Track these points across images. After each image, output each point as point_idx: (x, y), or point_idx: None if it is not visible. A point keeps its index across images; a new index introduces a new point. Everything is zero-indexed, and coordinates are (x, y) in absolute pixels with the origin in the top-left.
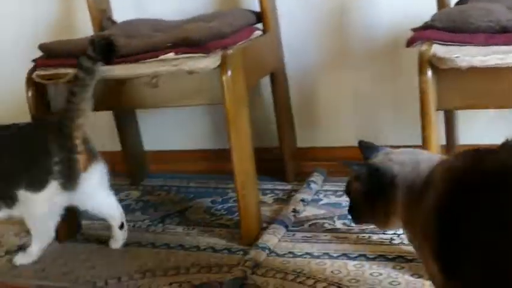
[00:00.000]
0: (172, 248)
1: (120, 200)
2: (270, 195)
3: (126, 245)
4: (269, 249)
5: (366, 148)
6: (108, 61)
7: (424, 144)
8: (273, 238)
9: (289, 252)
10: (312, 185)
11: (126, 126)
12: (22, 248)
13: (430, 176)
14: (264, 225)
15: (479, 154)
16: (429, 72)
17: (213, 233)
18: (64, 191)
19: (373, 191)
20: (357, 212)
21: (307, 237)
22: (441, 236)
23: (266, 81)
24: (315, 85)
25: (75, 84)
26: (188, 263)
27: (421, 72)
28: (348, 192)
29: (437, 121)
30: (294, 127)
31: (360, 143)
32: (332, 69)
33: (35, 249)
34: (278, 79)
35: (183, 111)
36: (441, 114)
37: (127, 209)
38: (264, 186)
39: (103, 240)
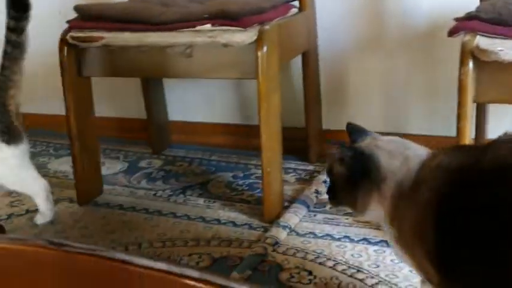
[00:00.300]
0: (192, 220)
1: (142, 168)
2: (292, 174)
3: (146, 212)
4: (290, 228)
5: (354, 131)
6: (25, 14)
7: (458, 136)
8: (294, 217)
9: (310, 233)
10: None
11: (153, 94)
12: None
13: (421, 172)
14: (285, 204)
15: (472, 151)
16: (470, 64)
17: (234, 207)
18: None
19: (355, 176)
20: (336, 194)
21: (328, 219)
22: (439, 236)
23: (296, 60)
24: (345, 68)
25: (4, 58)
26: (208, 236)
27: (462, 63)
28: (329, 172)
29: (473, 114)
30: (321, 109)
31: (348, 125)
32: (365, 53)
33: (43, 206)
34: (310, 59)
35: (210, 84)
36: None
37: (148, 177)
38: (287, 165)
39: (124, 206)
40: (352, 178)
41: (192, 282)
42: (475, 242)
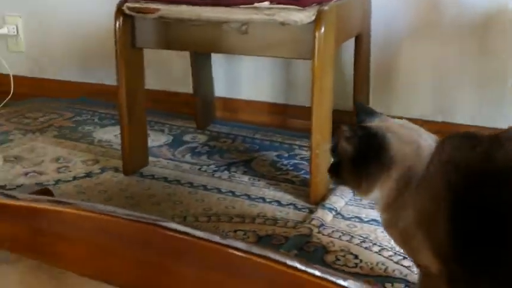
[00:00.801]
0: (237, 196)
1: (186, 142)
2: None
3: (191, 186)
4: (336, 210)
5: (362, 111)
6: None
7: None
8: (340, 200)
9: (356, 217)
10: None
11: (200, 70)
12: (89, 174)
13: (431, 165)
14: (331, 186)
15: (480, 145)
16: None
17: (278, 187)
18: None
19: (366, 156)
20: (341, 173)
21: (374, 204)
22: (455, 230)
23: (347, 43)
24: (397, 53)
25: None
26: (254, 213)
27: None
28: (333, 150)
29: None
30: (369, 93)
31: (357, 104)
32: (417, 39)
33: None
34: (362, 42)
35: (258, 62)
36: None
37: (193, 151)
38: None
39: (169, 179)
40: (362, 158)
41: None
42: (490, 238)
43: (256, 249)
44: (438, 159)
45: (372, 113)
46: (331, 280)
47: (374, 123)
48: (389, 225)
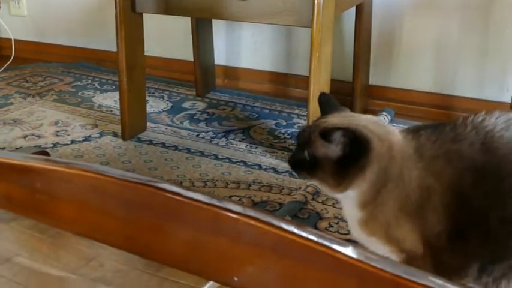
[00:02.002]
0: (234, 163)
1: (185, 109)
2: None
3: (188, 152)
4: None
5: (326, 103)
6: None
7: None
8: None
9: None
10: None
11: (201, 37)
12: (87, 138)
13: (413, 159)
14: None
15: (461, 139)
16: None
17: (275, 154)
18: None
19: (348, 158)
20: (307, 169)
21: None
22: (446, 218)
23: (348, 13)
24: (398, 25)
25: None
26: (249, 180)
27: None
28: (302, 144)
29: None
30: (369, 64)
31: (321, 96)
32: (419, 11)
33: None
34: (363, 12)
35: (258, 31)
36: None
37: (191, 118)
38: None
39: (166, 145)
40: (346, 160)
41: (243, 219)
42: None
43: (251, 212)
44: (420, 155)
45: (335, 107)
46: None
47: (347, 120)
48: (368, 221)
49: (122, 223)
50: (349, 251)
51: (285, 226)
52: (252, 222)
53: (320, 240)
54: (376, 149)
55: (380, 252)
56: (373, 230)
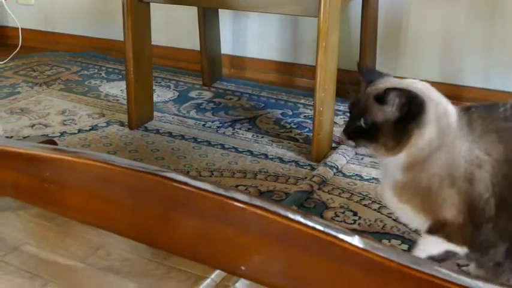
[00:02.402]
0: (240, 152)
1: (192, 98)
2: (341, 117)
3: (195, 142)
4: (337, 168)
5: (369, 72)
6: None
7: None
8: (341, 158)
9: (357, 175)
10: None
11: (208, 27)
12: (94, 127)
13: (465, 132)
14: (334, 145)
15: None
16: None
17: (281, 144)
18: None
19: (406, 118)
20: (366, 136)
21: (376, 163)
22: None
23: (355, 2)
24: (404, 14)
25: None
26: (256, 169)
27: None
28: (358, 113)
29: None
30: (375, 53)
31: (363, 67)
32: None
33: None
34: (370, 1)
35: (265, 20)
36: None
37: (198, 107)
38: (336, 108)
39: (173, 134)
40: (404, 120)
41: (250, 208)
42: None
43: (258, 201)
44: (472, 129)
45: (380, 74)
46: (335, 235)
47: (389, 82)
48: (407, 186)
49: (129, 212)
50: (355, 240)
51: (291, 216)
52: (259, 211)
53: (326, 230)
54: (432, 111)
55: (408, 221)
56: (408, 197)
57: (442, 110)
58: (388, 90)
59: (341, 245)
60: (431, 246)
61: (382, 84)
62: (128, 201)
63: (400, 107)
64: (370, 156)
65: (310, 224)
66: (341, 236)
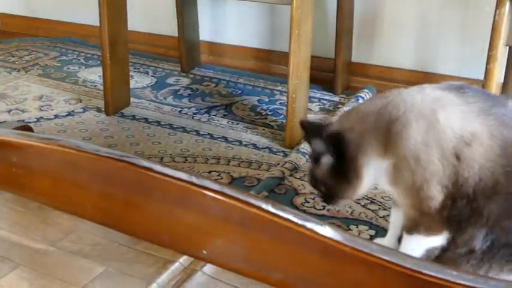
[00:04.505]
0: (215, 139)
1: (169, 85)
2: (316, 103)
3: (171, 128)
4: None
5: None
6: None
7: (486, 78)
8: None
9: None
10: (360, 101)
11: (186, 13)
12: (70, 113)
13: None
14: None
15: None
16: (507, 6)
17: (256, 130)
18: None
19: (342, 157)
20: (335, 190)
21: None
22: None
23: None
24: (381, 2)
25: None
26: (229, 155)
27: (499, 4)
28: (314, 180)
29: (504, 57)
30: (351, 41)
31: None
32: None
33: None
34: None
35: (244, 7)
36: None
37: (175, 94)
38: (312, 95)
39: (149, 120)
40: (341, 161)
41: (212, 194)
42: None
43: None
44: (469, 107)
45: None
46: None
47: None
48: (397, 163)
49: (95, 197)
50: (311, 225)
51: (251, 201)
52: (219, 196)
53: (284, 215)
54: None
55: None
56: (400, 179)
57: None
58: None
59: (297, 229)
60: (413, 249)
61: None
62: (94, 186)
63: (331, 153)
64: None
65: (270, 209)
66: (297, 220)
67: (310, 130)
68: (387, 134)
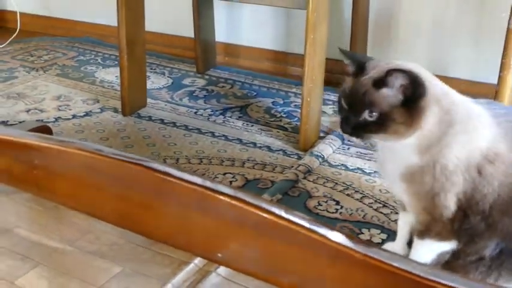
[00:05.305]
0: (230, 140)
1: (185, 86)
2: (330, 106)
3: (186, 129)
4: (323, 158)
5: (354, 55)
6: None
7: (499, 85)
8: (328, 148)
9: (342, 165)
10: None
11: (202, 14)
12: (88, 113)
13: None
14: (321, 134)
15: None
16: None
17: (271, 133)
18: None
19: (407, 101)
20: (374, 128)
21: (362, 153)
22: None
23: None
24: (396, 4)
25: None
26: (244, 157)
27: None
28: (358, 107)
29: None
30: (366, 43)
31: (344, 51)
32: None
33: None
34: None
35: (260, 10)
36: None
37: (191, 95)
38: (326, 97)
39: (165, 121)
40: (408, 102)
41: (227, 199)
42: None
43: (234, 192)
44: (498, 123)
45: (365, 57)
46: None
47: (380, 66)
48: (427, 166)
49: (114, 199)
50: (322, 230)
51: (265, 206)
52: (235, 202)
53: (298, 221)
54: (431, 90)
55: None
56: (426, 175)
57: (440, 89)
58: (390, 72)
59: (309, 234)
60: (424, 253)
61: (377, 68)
62: (113, 189)
63: (403, 89)
64: (367, 147)
65: (282, 214)
66: (309, 226)
67: (355, 58)
68: (445, 129)
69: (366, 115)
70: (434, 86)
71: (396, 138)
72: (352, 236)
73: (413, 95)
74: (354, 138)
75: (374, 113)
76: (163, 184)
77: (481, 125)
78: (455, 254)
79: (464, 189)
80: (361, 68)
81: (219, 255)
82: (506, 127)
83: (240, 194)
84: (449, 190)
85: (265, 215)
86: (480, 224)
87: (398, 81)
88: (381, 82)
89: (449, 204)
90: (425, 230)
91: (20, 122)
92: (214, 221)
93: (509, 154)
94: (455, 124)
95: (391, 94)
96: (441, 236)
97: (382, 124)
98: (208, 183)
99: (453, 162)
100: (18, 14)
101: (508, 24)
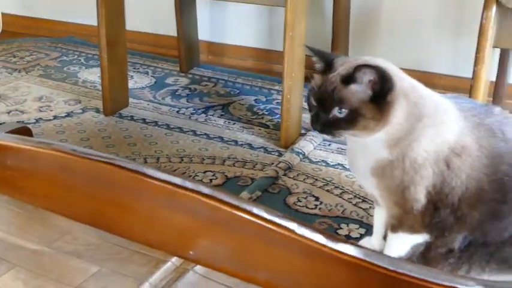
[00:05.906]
0: (211, 139)
1: (168, 85)
2: None
3: (168, 128)
4: (303, 154)
5: (324, 53)
6: None
7: (474, 79)
8: (309, 145)
9: (322, 161)
10: None
11: (185, 13)
12: (69, 114)
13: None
14: (303, 131)
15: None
16: (494, 9)
17: (252, 130)
18: None
19: (376, 96)
20: (344, 125)
21: (342, 149)
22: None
23: None
24: (377, 2)
25: None
26: (224, 155)
27: (486, 7)
28: (327, 100)
29: (491, 58)
30: (348, 40)
31: (311, 48)
32: None
33: None
34: None
35: (242, 8)
36: (497, 52)
37: (173, 94)
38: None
39: (147, 120)
40: (376, 98)
41: (197, 196)
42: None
43: (205, 189)
44: (465, 118)
45: (332, 54)
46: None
47: (348, 62)
48: (396, 160)
49: (87, 199)
50: (294, 226)
51: (236, 203)
52: (205, 199)
53: (268, 217)
54: (399, 85)
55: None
56: (396, 168)
57: (408, 84)
58: (359, 67)
59: (281, 231)
60: (398, 246)
61: (345, 64)
62: (85, 188)
63: (372, 85)
64: (342, 141)
65: (253, 211)
66: (281, 222)
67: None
68: (414, 123)
69: (335, 112)
70: (402, 81)
71: (366, 133)
72: (324, 231)
73: (382, 90)
74: (324, 135)
75: (343, 110)
76: (134, 182)
77: (449, 119)
78: (427, 246)
79: (434, 182)
80: (329, 64)
81: (191, 252)
82: (472, 121)
83: (211, 191)
84: (419, 183)
85: (236, 212)
86: (450, 217)
87: (366, 76)
88: (349, 78)
89: (419, 197)
90: (397, 224)
91: (0, 124)
92: (185, 218)
93: (475, 147)
94: (423, 118)
95: (359, 90)
96: (413, 229)
97: (352, 120)
98: (177, 180)
99: (422, 156)
100: (0, 15)
101: (481, 18)
